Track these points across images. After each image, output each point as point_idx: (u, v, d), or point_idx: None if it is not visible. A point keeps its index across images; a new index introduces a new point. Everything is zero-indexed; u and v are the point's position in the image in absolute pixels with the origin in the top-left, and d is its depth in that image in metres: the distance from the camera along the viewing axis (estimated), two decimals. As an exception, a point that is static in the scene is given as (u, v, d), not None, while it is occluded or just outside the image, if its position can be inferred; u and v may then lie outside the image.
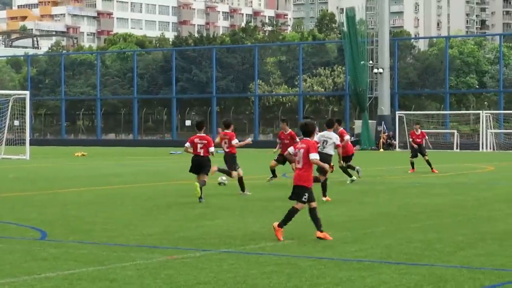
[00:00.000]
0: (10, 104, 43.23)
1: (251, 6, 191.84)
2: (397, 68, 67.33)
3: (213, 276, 9.22)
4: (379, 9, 63.03)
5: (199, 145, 18.01)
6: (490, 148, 55.61)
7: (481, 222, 14.49)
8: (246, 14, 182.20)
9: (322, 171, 17.34)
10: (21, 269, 9.63)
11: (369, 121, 60.31)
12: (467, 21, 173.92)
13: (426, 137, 31.30)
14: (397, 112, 60.67)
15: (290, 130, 22.71)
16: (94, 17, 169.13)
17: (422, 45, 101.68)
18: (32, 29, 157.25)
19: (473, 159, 40.73)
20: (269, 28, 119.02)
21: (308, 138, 12.24)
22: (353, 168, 23.65)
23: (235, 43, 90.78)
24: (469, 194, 20.23)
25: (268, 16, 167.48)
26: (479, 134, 58.10)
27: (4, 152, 41.56)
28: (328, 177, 18.46)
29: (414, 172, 28.68)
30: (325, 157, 18.15)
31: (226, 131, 20.01)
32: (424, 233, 12.76)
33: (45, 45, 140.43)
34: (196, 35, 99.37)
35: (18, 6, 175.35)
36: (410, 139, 30.40)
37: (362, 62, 60.62)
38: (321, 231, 11.98)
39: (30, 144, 42.89)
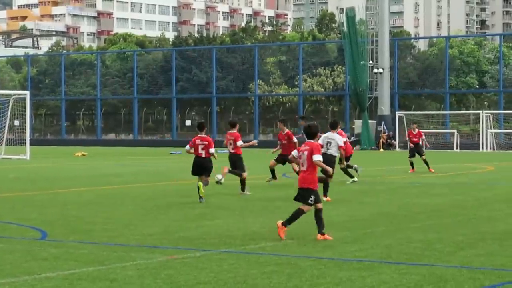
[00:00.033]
0: (10, 104, 43.23)
1: (251, 6, 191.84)
2: (397, 68, 67.33)
3: (213, 276, 9.23)
4: (379, 9, 63.03)
5: (200, 146, 17.98)
6: (490, 148, 55.61)
7: (481, 222, 14.50)
8: (246, 14, 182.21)
9: (326, 173, 17.41)
10: (21, 269, 9.63)
11: (369, 121, 60.31)
12: (467, 21, 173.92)
13: (424, 136, 31.31)
14: (397, 112, 60.67)
15: (287, 130, 22.67)
16: (94, 17, 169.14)
17: (422, 45, 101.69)
18: (32, 29, 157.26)
19: (473, 159, 40.73)
20: (269, 28, 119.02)
21: (312, 140, 12.27)
22: (351, 167, 23.67)
23: (235, 43, 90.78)
24: (469, 194, 20.24)
25: (268, 16, 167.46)
26: (479, 134, 58.10)
27: (4, 152, 41.56)
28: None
29: (414, 172, 28.68)
30: (329, 158, 18.38)
31: (231, 131, 20.03)
32: (424, 233, 12.76)
33: (45, 45, 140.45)
34: (196, 35, 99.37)
35: (18, 6, 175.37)
36: (407, 139, 30.47)
37: (362, 62, 60.63)
38: (322, 234, 11.99)
39: (30, 144, 42.90)
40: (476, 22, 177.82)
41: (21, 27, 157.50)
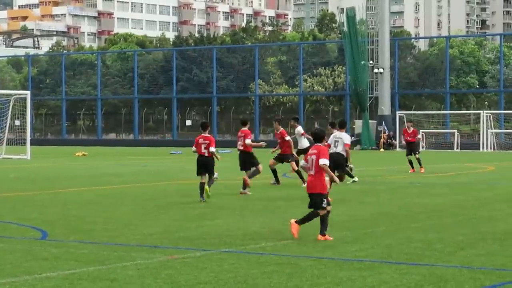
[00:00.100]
0: (11, 104, 43.24)
1: (252, 6, 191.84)
2: (397, 68, 67.31)
3: (213, 276, 9.23)
4: (380, 9, 63.01)
5: (203, 146, 18.00)
6: (491, 148, 55.60)
7: (481, 222, 14.50)
8: (247, 14, 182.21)
9: (342, 169, 18.85)
10: (22, 269, 9.64)
11: (370, 121, 60.29)
12: (467, 21, 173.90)
13: (419, 135, 31.33)
14: (397, 112, 60.64)
15: (281, 129, 22.71)
16: (94, 17, 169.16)
17: (422, 45, 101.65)
18: (33, 29, 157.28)
19: (473, 159, 40.72)
20: (270, 28, 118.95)
21: (319, 144, 12.36)
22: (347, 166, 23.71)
23: (236, 43, 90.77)
24: (470, 194, 20.24)
25: (269, 16, 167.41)
26: (479, 134, 58.07)
27: (5, 152, 41.56)
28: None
29: (414, 172, 28.69)
30: (336, 156, 18.94)
31: (242, 129, 20.19)
32: (424, 233, 12.76)
33: (45, 45, 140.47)
34: (197, 35, 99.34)
35: (19, 6, 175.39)
36: (402, 137, 30.60)
37: (362, 62, 60.60)
38: (324, 235, 11.99)
39: (31, 144, 42.91)
40: (477, 22, 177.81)
41: (21, 27, 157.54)
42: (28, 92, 44.95)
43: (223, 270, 9.54)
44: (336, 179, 12.95)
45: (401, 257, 10.53)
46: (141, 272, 9.42)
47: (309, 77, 76.77)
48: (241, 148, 20.17)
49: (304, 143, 23.31)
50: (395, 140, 59.08)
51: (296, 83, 74.18)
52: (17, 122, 47.80)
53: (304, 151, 23.16)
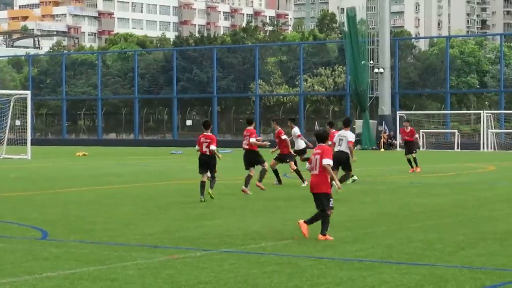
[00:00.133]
0: (12, 104, 43.24)
1: (252, 6, 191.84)
2: (397, 68, 67.30)
3: (214, 275, 9.23)
4: (380, 9, 63.00)
5: (204, 144, 18.12)
6: (491, 148, 55.58)
7: (482, 222, 14.50)
8: (247, 14, 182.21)
9: (348, 168, 19.55)
10: (22, 269, 9.64)
11: (370, 121, 60.27)
12: (467, 21, 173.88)
13: (417, 134, 31.35)
14: (398, 112, 60.63)
15: (279, 128, 22.73)
16: (95, 17, 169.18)
17: (422, 45, 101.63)
18: (33, 29, 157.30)
19: (474, 159, 40.72)
20: (270, 28, 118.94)
21: (323, 144, 12.42)
22: None
23: (236, 43, 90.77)
24: (470, 194, 20.24)
25: (269, 16, 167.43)
26: (480, 134, 58.06)
27: (5, 152, 41.56)
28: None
29: (414, 172, 28.70)
30: (340, 155, 19.23)
31: (248, 128, 20.31)
32: (424, 233, 12.77)
33: (46, 45, 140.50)
34: (197, 35, 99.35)
35: (20, 6, 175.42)
36: (400, 136, 30.65)
37: (362, 62, 60.59)
38: (324, 235, 12.00)
39: (31, 144, 42.91)
40: (477, 22, 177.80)
41: (22, 27, 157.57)
42: (29, 92, 44.95)
43: (224, 270, 9.55)
44: (337, 182, 12.95)
45: (402, 257, 10.53)
46: (141, 272, 9.42)
47: (310, 77, 76.76)
48: (247, 147, 20.27)
49: (301, 144, 23.36)
50: (396, 140, 59.08)
51: (297, 83, 74.18)
52: (17, 122, 47.80)
53: (301, 152, 23.24)
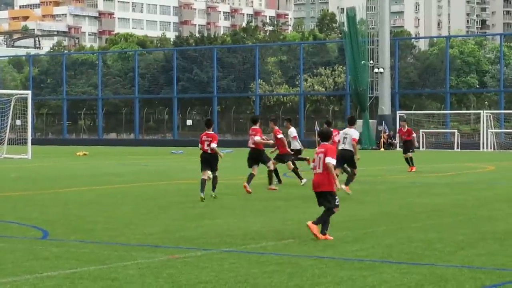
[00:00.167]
0: (12, 103, 43.26)
1: (252, 6, 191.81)
2: (397, 68, 67.32)
3: (214, 275, 9.24)
4: (380, 9, 63.01)
5: (206, 143, 18.20)
6: (491, 148, 55.60)
7: (481, 221, 14.51)
8: (247, 14, 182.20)
9: (353, 165, 19.54)
10: (23, 268, 9.65)
11: (370, 120, 60.29)
12: (467, 20, 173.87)
13: (414, 134, 31.41)
14: (397, 112, 60.65)
15: (275, 128, 22.77)
16: (95, 17, 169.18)
17: (422, 45, 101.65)
18: (34, 29, 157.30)
19: (473, 159, 40.73)
20: (270, 28, 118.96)
21: (326, 143, 12.44)
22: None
23: (236, 43, 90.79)
24: (470, 194, 20.25)
25: (269, 16, 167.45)
26: (479, 134, 58.08)
27: (6, 152, 41.57)
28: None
29: (412, 171, 28.72)
30: (344, 153, 19.30)
31: (253, 127, 20.36)
32: (425, 232, 12.78)
33: (46, 45, 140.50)
34: (197, 35, 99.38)
35: (20, 6, 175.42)
36: (398, 135, 30.70)
37: (362, 62, 60.61)
38: (324, 234, 12.00)
39: (32, 144, 42.91)
40: (477, 22, 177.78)
41: (22, 27, 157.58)
42: (29, 92, 44.96)
43: (224, 270, 9.56)
44: (337, 182, 12.95)
45: (402, 256, 10.55)
46: (142, 272, 9.43)
47: (310, 77, 76.78)
48: (253, 145, 20.33)
49: (296, 144, 23.45)
50: (396, 140, 59.09)
51: (297, 82, 74.19)
52: (18, 122, 47.81)
53: (296, 153, 23.31)
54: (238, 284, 8.79)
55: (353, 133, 19.92)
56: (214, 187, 18.27)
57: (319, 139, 13.21)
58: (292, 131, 23.54)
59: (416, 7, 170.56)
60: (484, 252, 10.89)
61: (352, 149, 19.69)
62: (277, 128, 22.74)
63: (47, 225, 13.64)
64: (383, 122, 59.77)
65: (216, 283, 8.82)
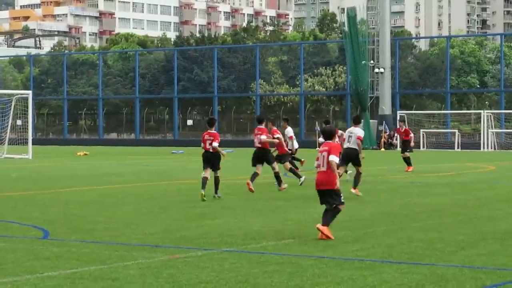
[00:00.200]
0: (13, 103, 43.28)
1: (253, 6, 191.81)
2: (398, 68, 67.31)
3: (214, 275, 9.25)
4: (380, 9, 63.00)
5: (208, 142, 18.23)
6: (491, 148, 55.59)
7: (482, 221, 14.51)
8: (248, 14, 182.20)
9: (357, 163, 19.49)
10: (23, 268, 9.66)
11: (370, 120, 60.29)
12: (468, 20, 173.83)
13: (411, 134, 31.44)
14: (398, 112, 60.64)
15: (273, 128, 22.80)
16: (96, 17, 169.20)
17: (423, 44, 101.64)
18: (34, 29, 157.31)
19: (474, 159, 40.73)
20: (271, 28, 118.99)
21: (330, 141, 12.46)
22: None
23: (237, 43, 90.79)
24: (470, 194, 20.25)
25: (270, 16, 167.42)
26: (480, 134, 58.07)
27: (6, 152, 41.59)
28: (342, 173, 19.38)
29: (411, 171, 28.73)
30: (349, 151, 19.46)
31: (259, 126, 20.35)
32: (425, 232, 12.78)
33: (47, 45, 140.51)
34: (198, 35, 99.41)
35: (21, 6, 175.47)
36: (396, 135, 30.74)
37: (363, 62, 60.60)
38: (327, 226, 11.99)
39: (33, 144, 42.92)
40: (477, 22, 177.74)
41: (23, 27, 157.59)
42: (30, 92, 44.97)
43: (224, 270, 9.56)
44: (338, 182, 12.95)
45: (402, 256, 10.55)
46: (142, 272, 9.44)
47: (310, 77, 76.78)
48: (259, 145, 20.36)
49: (294, 144, 23.47)
50: (396, 140, 59.09)
51: (297, 82, 74.18)
52: (18, 122, 47.82)
53: (294, 152, 23.37)
54: (238, 284, 8.80)
55: (358, 131, 19.97)
56: (216, 188, 18.28)
57: (321, 138, 13.22)
58: (289, 130, 23.56)
59: (416, 7, 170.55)
60: (485, 252, 10.89)
61: (357, 147, 19.76)
62: (275, 128, 22.77)
63: (48, 225, 13.65)
64: (384, 122, 59.77)
65: (217, 283, 8.83)
